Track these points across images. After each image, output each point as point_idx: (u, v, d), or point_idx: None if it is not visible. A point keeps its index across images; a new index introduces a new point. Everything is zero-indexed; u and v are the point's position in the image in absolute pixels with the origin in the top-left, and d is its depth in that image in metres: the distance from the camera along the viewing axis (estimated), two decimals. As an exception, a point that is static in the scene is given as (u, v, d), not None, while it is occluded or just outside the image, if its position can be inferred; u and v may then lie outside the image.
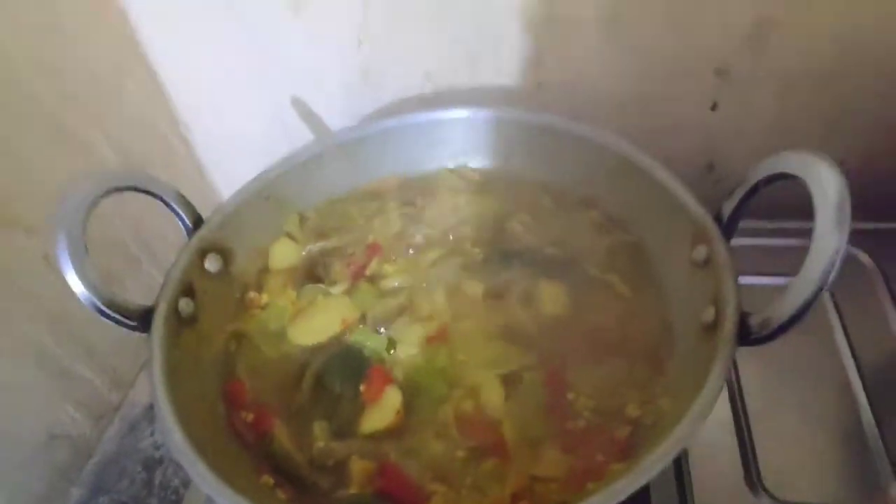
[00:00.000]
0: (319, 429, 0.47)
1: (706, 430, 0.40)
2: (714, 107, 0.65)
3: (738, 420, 0.54)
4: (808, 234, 0.37)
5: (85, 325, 0.70)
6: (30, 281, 0.63)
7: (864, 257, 0.64)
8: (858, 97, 0.61)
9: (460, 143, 0.62)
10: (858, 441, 0.52)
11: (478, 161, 0.62)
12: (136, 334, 0.77)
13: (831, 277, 0.36)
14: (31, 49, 0.59)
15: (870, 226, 0.64)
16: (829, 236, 0.36)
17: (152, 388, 0.44)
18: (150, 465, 0.73)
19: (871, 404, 0.54)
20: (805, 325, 0.37)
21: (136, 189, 0.50)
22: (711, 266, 0.45)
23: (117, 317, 0.47)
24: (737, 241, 0.46)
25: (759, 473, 0.51)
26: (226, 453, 0.44)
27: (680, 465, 0.51)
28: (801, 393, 0.56)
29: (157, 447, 0.74)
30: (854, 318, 0.59)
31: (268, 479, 0.44)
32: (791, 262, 0.38)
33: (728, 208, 0.46)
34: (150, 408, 0.77)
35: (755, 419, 0.54)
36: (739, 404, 0.54)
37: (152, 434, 0.75)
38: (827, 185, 0.36)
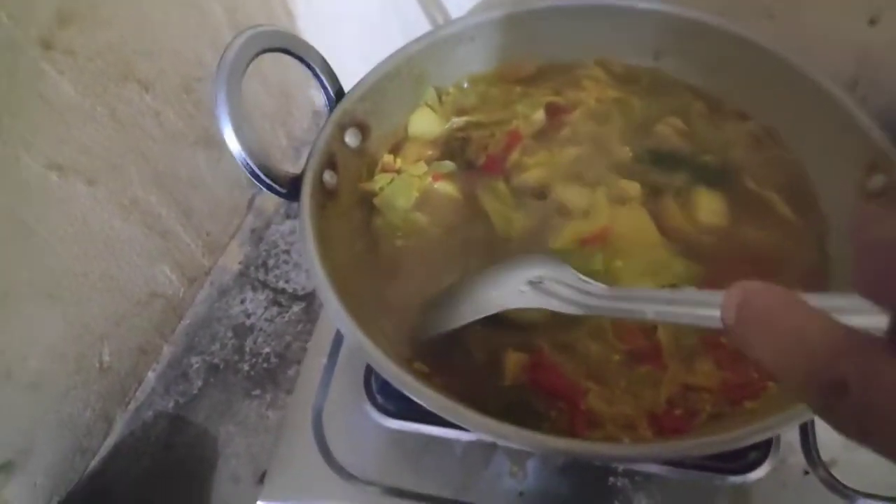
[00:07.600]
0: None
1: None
2: (872, 21, 0.60)
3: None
4: None
5: (186, 187, 0.69)
6: (142, 138, 0.62)
7: None
8: None
9: (607, 35, 0.56)
10: None
11: (624, 56, 0.57)
12: (230, 201, 0.76)
13: None
14: None
15: None
16: None
17: (306, 256, 0.43)
18: (241, 332, 0.73)
19: None
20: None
21: (285, 51, 0.47)
22: (890, 199, 0.42)
23: (269, 182, 0.44)
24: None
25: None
26: (378, 333, 0.42)
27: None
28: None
29: (247, 315, 0.74)
30: None
31: (420, 366, 0.43)
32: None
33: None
34: (240, 275, 0.77)
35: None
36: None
37: (242, 302, 0.75)
38: None
